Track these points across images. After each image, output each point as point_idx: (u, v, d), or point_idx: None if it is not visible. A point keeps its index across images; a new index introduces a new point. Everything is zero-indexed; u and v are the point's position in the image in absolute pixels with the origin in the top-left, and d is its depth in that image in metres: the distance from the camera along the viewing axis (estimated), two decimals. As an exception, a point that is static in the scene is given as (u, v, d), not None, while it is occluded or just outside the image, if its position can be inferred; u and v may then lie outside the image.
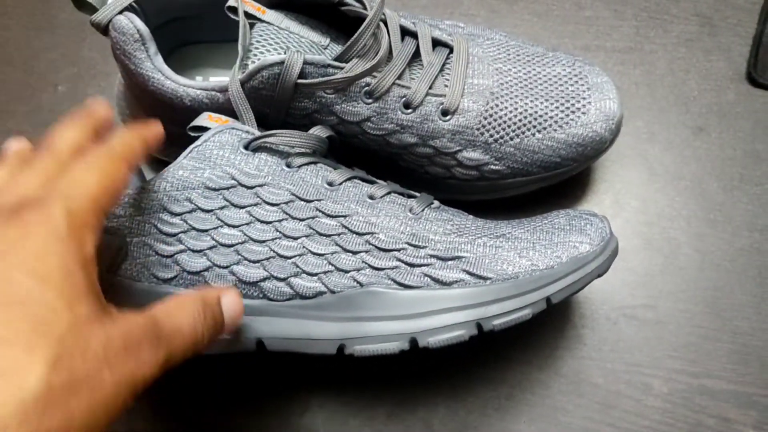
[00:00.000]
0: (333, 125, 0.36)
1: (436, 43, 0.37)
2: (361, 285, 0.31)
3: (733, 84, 0.46)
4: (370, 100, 0.35)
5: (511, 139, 0.37)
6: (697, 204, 0.43)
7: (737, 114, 0.45)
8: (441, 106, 0.36)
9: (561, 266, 0.32)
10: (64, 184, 0.24)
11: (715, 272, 0.41)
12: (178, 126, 0.37)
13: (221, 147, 0.32)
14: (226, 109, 0.34)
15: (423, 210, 0.34)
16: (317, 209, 0.32)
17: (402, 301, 0.31)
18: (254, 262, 0.32)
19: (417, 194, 0.35)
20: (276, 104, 0.34)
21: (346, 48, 0.33)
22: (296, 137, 0.33)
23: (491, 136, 0.37)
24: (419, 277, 0.32)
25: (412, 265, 0.32)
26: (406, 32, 0.37)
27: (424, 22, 0.38)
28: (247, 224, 0.31)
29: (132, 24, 0.33)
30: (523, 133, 0.37)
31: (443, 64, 0.37)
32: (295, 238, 0.32)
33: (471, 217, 0.35)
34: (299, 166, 0.33)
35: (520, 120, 0.37)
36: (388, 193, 0.34)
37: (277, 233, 0.32)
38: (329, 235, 0.32)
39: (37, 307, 0.21)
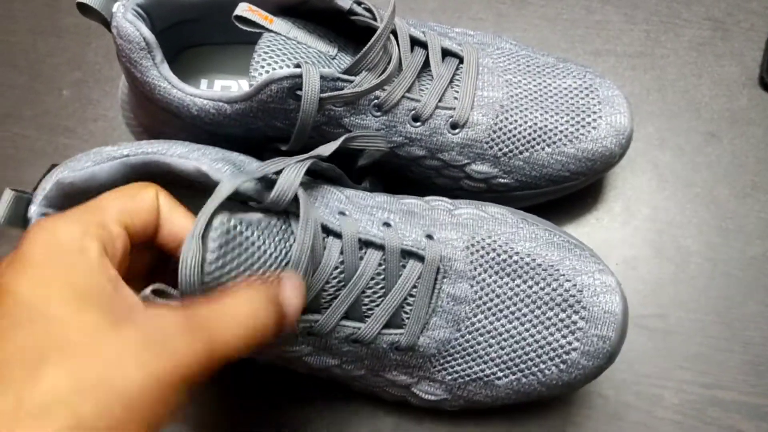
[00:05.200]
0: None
1: (446, 53, 0.37)
2: None
3: (746, 89, 0.45)
4: (379, 113, 0.35)
5: (521, 153, 0.37)
6: (708, 212, 0.42)
7: (750, 120, 0.44)
8: (450, 120, 0.36)
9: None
10: None
11: (726, 281, 0.41)
12: (184, 133, 0.37)
13: None
14: (233, 120, 0.34)
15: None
16: None
17: None
18: None
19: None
20: (302, 123, 0.33)
21: (355, 61, 0.33)
22: None
23: (500, 149, 0.37)
24: None
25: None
26: (415, 42, 0.36)
27: (433, 30, 0.37)
28: None
29: (138, 32, 0.33)
30: (533, 147, 0.37)
31: (453, 76, 0.36)
32: None
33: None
34: None
35: (529, 134, 0.37)
36: None
37: None
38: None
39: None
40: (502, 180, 0.38)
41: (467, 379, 0.34)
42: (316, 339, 0.31)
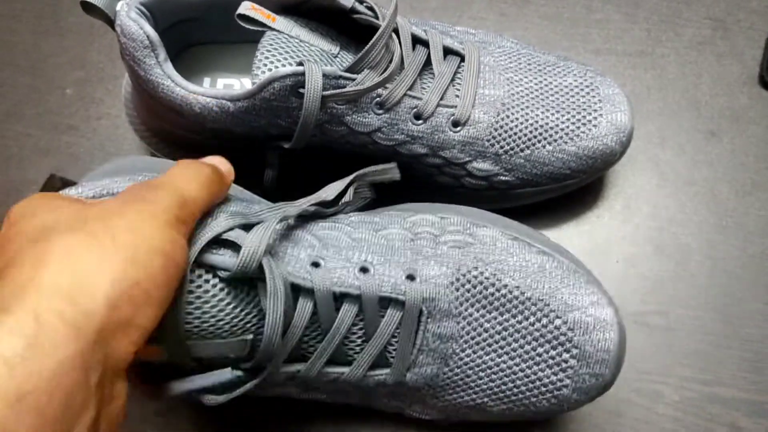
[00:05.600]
0: (343, 135, 0.35)
1: (447, 52, 0.37)
2: None
3: (746, 88, 0.45)
4: (381, 111, 0.35)
5: (521, 150, 0.37)
6: (708, 210, 0.43)
7: (750, 118, 0.45)
8: (452, 117, 0.36)
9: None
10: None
11: (726, 279, 0.41)
12: (186, 130, 0.37)
13: None
14: (235, 118, 0.34)
15: None
16: None
17: None
18: None
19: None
20: (304, 120, 0.33)
21: (358, 59, 0.33)
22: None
23: (501, 147, 0.37)
24: None
25: None
26: (417, 40, 0.36)
27: (435, 29, 0.38)
28: None
29: (141, 30, 0.33)
30: (534, 145, 0.37)
31: (454, 74, 0.36)
32: None
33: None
34: None
35: (530, 132, 0.37)
36: None
37: None
38: None
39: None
40: (503, 178, 0.38)
41: (459, 406, 0.33)
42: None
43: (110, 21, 0.34)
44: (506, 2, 0.49)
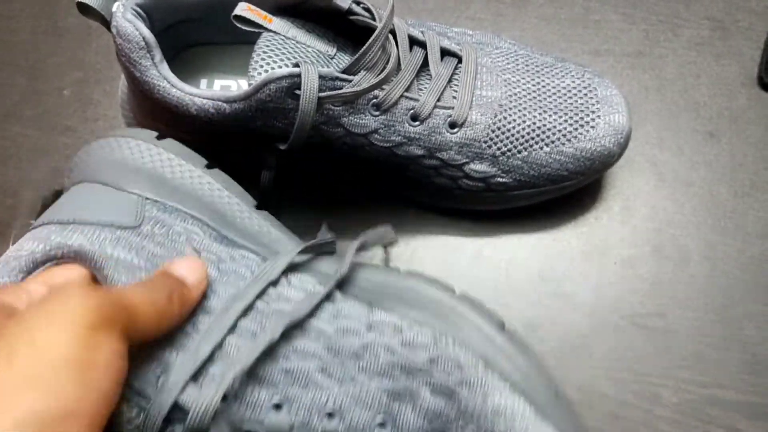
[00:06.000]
0: (340, 137, 0.35)
1: (445, 53, 0.37)
2: None
3: (745, 89, 0.45)
4: (377, 113, 0.35)
5: (519, 152, 0.37)
6: (707, 211, 0.42)
7: (748, 119, 0.44)
8: (449, 119, 0.36)
9: None
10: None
11: (725, 280, 0.41)
12: (182, 132, 0.37)
13: None
14: (232, 119, 0.34)
15: None
16: None
17: None
18: None
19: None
20: (300, 122, 0.33)
21: (354, 60, 0.33)
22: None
23: (499, 149, 0.37)
24: None
25: None
26: (414, 42, 0.36)
27: (432, 30, 0.38)
28: None
29: (137, 31, 0.33)
30: (531, 146, 0.37)
31: (451, 75, 0.36)
32: None
33: None
34: None
35: (528, 133, 0.37)
36: None
37: None
38: None
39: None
40: (500, 179, 0.38)
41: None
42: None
43: (106, 22, 0.34)
44: (504, 3, 0.49)
